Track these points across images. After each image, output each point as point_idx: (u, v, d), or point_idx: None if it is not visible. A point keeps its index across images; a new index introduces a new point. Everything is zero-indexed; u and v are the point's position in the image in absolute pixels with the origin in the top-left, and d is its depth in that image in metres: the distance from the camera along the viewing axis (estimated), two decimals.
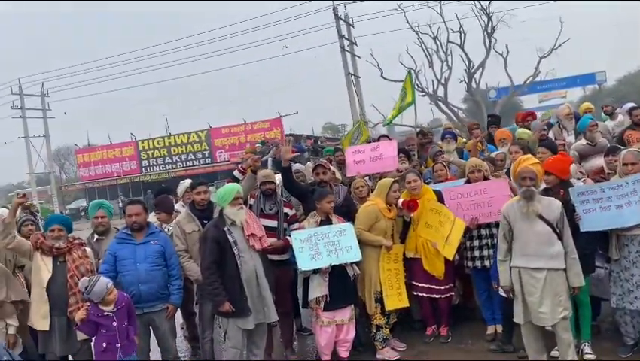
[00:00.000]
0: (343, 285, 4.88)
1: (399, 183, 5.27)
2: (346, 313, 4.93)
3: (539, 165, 4.23)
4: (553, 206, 4.09)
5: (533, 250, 4.04)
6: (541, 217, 4.03)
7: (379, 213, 5.00)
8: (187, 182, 6.31)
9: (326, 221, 5.01)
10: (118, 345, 4.18)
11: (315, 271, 4.84)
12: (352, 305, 4.99)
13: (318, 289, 4.84)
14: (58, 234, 4.59)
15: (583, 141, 6.41)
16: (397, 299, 5.04)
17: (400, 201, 5.08)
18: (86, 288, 4.07)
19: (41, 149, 34.86)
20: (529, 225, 4.06)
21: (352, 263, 4.89)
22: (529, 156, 4.59)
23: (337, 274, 4.85)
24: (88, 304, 4.17)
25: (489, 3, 27.93)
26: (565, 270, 4.04)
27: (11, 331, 4.61)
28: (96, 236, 5.21)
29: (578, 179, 5.14)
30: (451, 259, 5.05)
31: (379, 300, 5.03)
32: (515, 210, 4.13)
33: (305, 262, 4.76)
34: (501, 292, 4.66)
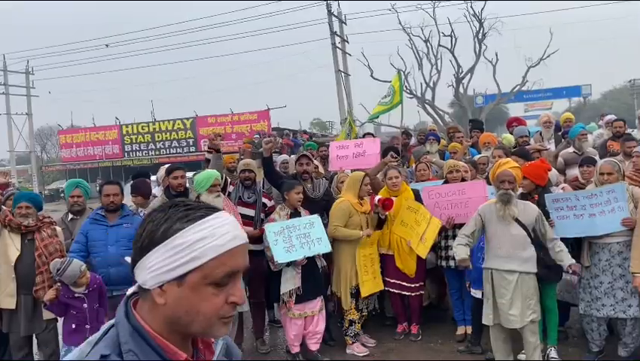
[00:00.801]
0: (313, 277, 4.89)
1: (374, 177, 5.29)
2: (316, 305, 4.94)
3: (518, 169, 4.27)
4: (528, 210, 4.13)
5: (506, 253, 4.07)
6: (517, 221, 4.07)
7: (352, 208, 5.01)
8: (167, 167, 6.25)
9: (295, 213, 5.02)
10: (88, 327, 4.13)
11: (288, 264, 4.84)
12: (321, 296, 5.00)
13: (292, 281, 4.84)
14: (25, 211, 4.49)
15: (570, 149, 6.49)
16: (372, 284, 5.06)
17: (377, 198, 5.08)
18: (57, 270, 3.98)
19: (23, 127, 34.29)
20: (504, 227, 4.09)
21: (319, 255, 4.91)
22: (509, 159, 4.63)
23: (307, 267, 4.86)
24: (58, 284, 4.11)
25: (482, 9, 28.12)
26: (535, 274, 4.07)
27: None
28: (70, 215, 5.14)
29: (556, 185, 5.19)
30: (424, 257, 5.07)
31: (354, 295, 5.04)
32: (492, 211, 4.16)
33: (280, 254, 4.75)
34: (473, 293, 4.71)
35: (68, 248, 4.73)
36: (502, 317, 4.08)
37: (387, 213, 5.07)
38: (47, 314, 4.46)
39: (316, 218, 4.95)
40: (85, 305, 4.11)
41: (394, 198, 5.04)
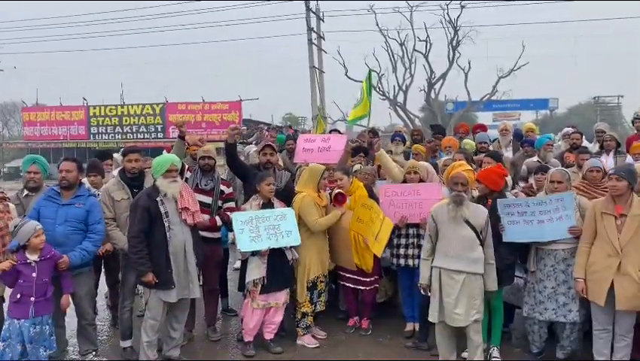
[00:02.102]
0: (281, 269, 4.92)
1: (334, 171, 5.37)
2: (281, 297, 4.97)
3: (472, 172, 4.38)
4: (479, 213, 4.24)
5: (455, 253, 4.18)
6: (467, 222, 4.18)
7: (314, 202, 5.07)
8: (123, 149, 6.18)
9: (268, 205, 5.03)
10: (32, 299, 4.09)
11: (254, 254, 4.85)
12: (287, 290, 5.03)
13: (256, 271, 4.86)
14: None
15: (535, 158, 6.69)
16: (378, 245, 5.10)
17: (335, 192, 5.15)
18: (15, 227, 4.06)
19: None
20: (455, 228, 4.20)
21: (291, 248, 4.94)
22: (463, 162, 4.74)
23: (276, 258, 4.88)
24: (14, 256, 4.09)
25: (458, 16, 28.57)
26: (482, 275, 4.20)
27: None
28: (25, 191, 5.01)
29: (512, 190, 5.35)
30: (379, 255, 5.15)
31: (310, 288, 5.10)
32: (443, 212, 4.26)
33: (244, 243, 4.76)
34: (423, 292, 4.81)
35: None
36: (447, 315, 4.18)
37: (341, 207, 5.13)
38: None
39: (289, 211, 4.97)
40: (34, 274, 4.09)
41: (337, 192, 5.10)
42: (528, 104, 37.61)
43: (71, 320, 4.77)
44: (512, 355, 4.84)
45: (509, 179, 5.43)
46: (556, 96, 38.16)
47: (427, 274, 4.34)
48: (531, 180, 5.89)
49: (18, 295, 4.08)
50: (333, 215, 5.07)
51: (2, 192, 4.68)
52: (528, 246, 4.66)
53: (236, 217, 4.83)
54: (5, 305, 4.57)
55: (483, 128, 8.58)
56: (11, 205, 4.63)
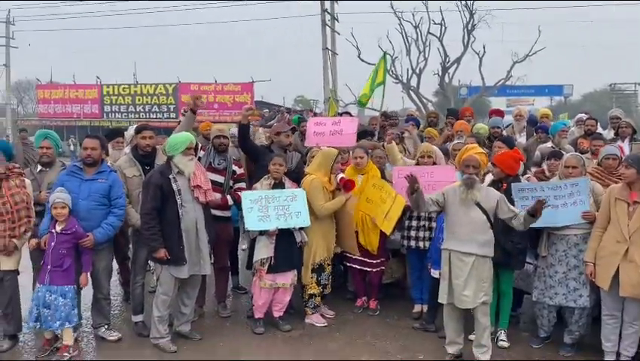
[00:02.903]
0: (289, 250, 4.95)
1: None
2: (288, 278, 5.01)
3: (484, 155, 4.36)
4: (490, 196, 4.23)
5: (465, 235, 4.18)
6: (479, 205, 4.18)
7: (323, 187, 5.08)
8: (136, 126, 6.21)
9: (279, 185, 5.05)
10: (48, 267, 4.31)
11: (262, 233, 4.88)
12: (295, 270, 5.06)
13: (264, 250, 4.90)
14: None
15: (549, 144, 6.64)
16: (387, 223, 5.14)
17: (339, 177, 5.13)
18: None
19: (0, 78, 33.45)
20: (465, 211, 4.20)
21: (300, 229, 4.95)
22: (475, 145, 4.71)
23: (285, 239, 4.91)
24: (46, 236, 4.34)
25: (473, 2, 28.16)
26: (491, 258, 4.20)
27: None
28: (39, 167, 5.08)
29: (523, 175, 5.31)
30: (389, 233, 5.16)
31: (316, 270, 5.13)
32: (455, 194, 4.26)
33: (252, 222, 4.79)
34: (433, 273, 4.83)
35: (36, 200, 4.72)
36: (456, 297, 4.20)
37: (349, 194, 5.11)
38: (4, 265, 4.47)
39: (300, 192, 4.98)
40: (52, 243, 4.29)
41: (343, 177, 5.09)
42: (542, 90, 37.12)
43: (85, 294, 4.86)
44: (519, 339, 4.85)
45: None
46: (571, 83, 37.69)
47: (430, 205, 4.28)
48: (544, 166, 5.85)
49: (42, 263, 4.37)
50: (338, 200, 5.07)
51: (19, 167, 4.74)
52: (540, 231, 4.65)
53: (245, 196, 4.86)
54: (21, 278, 4.69)
55: (500, 113, 8.49)
56: (27, 181, 4.70)
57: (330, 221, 5.22)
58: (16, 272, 4.62)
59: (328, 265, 5.20)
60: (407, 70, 30.04)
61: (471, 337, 4.47)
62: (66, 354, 4.40)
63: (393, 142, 5.84)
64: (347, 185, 5.07)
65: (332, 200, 5.11)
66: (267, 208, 4.83)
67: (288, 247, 4.93)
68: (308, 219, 4.91)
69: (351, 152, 5.64)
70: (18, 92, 47.34)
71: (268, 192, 4.91)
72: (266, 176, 5.11)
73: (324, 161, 5.19)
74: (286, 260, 4.94)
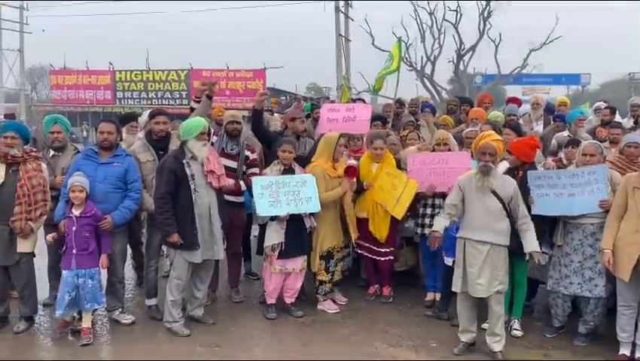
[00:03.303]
0: (299, 235, 4.94)
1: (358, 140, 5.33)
2: (298, 263, 5.01)
3: (500, 142, 4.29)
4: (506, 184, 4.18)
5: (481, 223, 4.14)
6: (495, 193, 4.13)
7: (324, 173, 5.03)
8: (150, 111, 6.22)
9: (289, 170, 5.04)
10: (74, 251, 4.36)
11: (273, 219, 4.88)
12: (304, 256, 5.06)
13: (275, 236, 4.90)
14: (11, 142, 4.48)
15: (565, 133, 6.55)
16: (399, 207, 5.12)
17: (350, 162, 5.07)
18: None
19: (14, 64, 33.67)
20: (481, 199, 4.15)
21: (310, 215, 4.95)
22: (492, 132, 4.65)
23: (294, 224, 4.91)
24: (64, 221, 4.39)
25: None
26: (506, 247, 4.15)
27: None
28: (51, 152, 5.09)
29: (539, 163, 5.25)
30: (400, 218, 5.13)
31: (324, 257, 5.12)
32: (470, 182, 4.21)
33: (263, 208, 4.79)
34: (446, 261, 4.80)
35: (52, 184, 4.75)
36: (470, 286, 4.17)
37: (352, 180, 5.07)
38: (21, 247, 4.52)
39: (309, 177, 4.96)
40: (74, 228, 4.34)
41: (354, 163, 5.04)
42: (559, 78, 36.58)
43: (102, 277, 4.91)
44: (533, 328, 4.82)
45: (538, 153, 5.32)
46: (589, 72, 37.09)
47: (442, 224, 4.28)
48: (561, 154, 5.76)
49: (64, 248, 4.39)
50: (334, 192, 5.01)
51: (35, 151, 4.77)
52: (556, 219, 4.60)
53: (256, 182, 4.85)
54: (36, 260, 4.74)
55: (517, 101, 8.41)
56: (44, 165, 4.73)
57: (336, 208, 5.16)
58: (32, 255, 4.67)
59: (338, 251, 5.17)
60: (422, 57, 29.79)
61: (484, 325, 4.45)
62: (90, 337, 4.45)
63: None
64: (348, 171, 5.01)
65: (333, 188, 5.05)
66: (278, 194, 4.82)
67: (297, 233, 4.93)
68: (318, 204, 4.90)
69: (367, 140, 5.60)
70: (32, 77, 47.66)
71: (278, 178, 4.90)
72: (275, 161, 5.09)
73: (325, 146, 5.14)
74: (296, 246, 4.95)
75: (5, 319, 4.74)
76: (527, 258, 4.20)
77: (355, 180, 5.11)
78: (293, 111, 6.18)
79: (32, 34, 34.56)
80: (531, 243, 4.15)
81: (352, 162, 5.10)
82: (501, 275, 4.14)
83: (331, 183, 5.04)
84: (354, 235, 5.20)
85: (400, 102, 8.65)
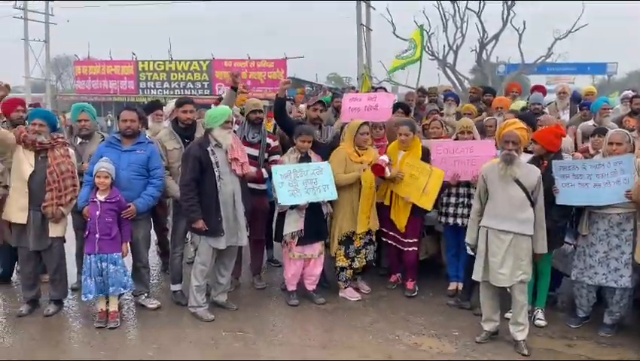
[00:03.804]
0: (317, 222, 5.00)
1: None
2: (316, 249, 5.07)
3: (524, 131, 4.24)
4: (531, 173, 4.14)
5: (504, 213, 4.11)
6: (518, 182, 4.09)
7: (347, 157, 5.07)
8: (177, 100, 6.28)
9: (305, 158, 5.07)
10: (97, 236, 4.43)
11: (293, 207, 4.92)
12: (322, 242, 5.12)
13: (294, 224, 4.95)
14: (39, 128, 4.58)
15: (590, 122, 6.46)
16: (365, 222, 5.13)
17: (382, 158, 5.04)
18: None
19: (40, 54, 34.20)
20: (505, 188, 4.12)
21: (327, 202, 4.98)
22: (516, 120, 4.61)
23: (312, 211, 4.96)
24: (87, 207, 4.49)
25: None
26: (531, 236, 4.11)
27: None
28: (79, 139, 5.20)
29: (568, 153, 5.18)
30: (429, 209, 5.09)
31: (344, 242, 5.14)
32: (494, 171, 4.18)
33: (284, 197, 4.83)
34: (469, 251, 4.78)
35: (79, 171, 4.85)
36: (491, 275, 4.15)
37: (382, 176, 5.07)
38: (52, 232, 4.63)
39: (325, 165, 5.00)
40: (97, 213, 4.42)
41: (385, 158, 5.01)
42: (584, 68, 35.79)
43: (127, 263, 5.00)
44: (556, 318, 4.79)
45: (568, 141, 5.26)
46: (615, 60, 36.21)
47: (474, 234, 4.31)
48: (588, 143, 5.68)
49: (87, 232, 4.48)
50: (351, 175, 5.02)
51: (63, 137, 4.87)
52: (581, 209, 4.55)
53: (275, 171, 4.89)
54: (66, 245, 4.86)
55: (542, 89, 8.30)
56: (71, 150, 4.82)
57: (355, 194, 5.12)
58: (63, 239, 4.78)
59: (360, 238, 5.18)
60: (444, 46, 29.39)
61: (508, 315, 4.43)
62: (117, 320, 4.56)
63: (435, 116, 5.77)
64: (375, 168, 5.00)
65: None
66: (297, 183, 4.86)
67: (315, 220, 4.99)
68: (335, 191, 4.94)
69: (388, 127, 5.59)
70: (57, 68, 48.34)
71: (296, 167, 4.95)
72: (292, 149, 5.13)
73: (348, 133, 5.21)
74: (314, 232, 5.01)
75: (36, 302, 4.88)
76: (534, 259, 4.20)
77: (387, 171, 5.04)
78: (310, 100, 6.23)
79: (57, 25, 35.03)
80: (539, 243, 4.14)
81: (384, 158, 5.04)
82: (524, 265, 4.11)
83: (351, 167, 5.05)
84: (372, 224, 5.19)
85: (422, 91, 8.61)
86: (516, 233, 4.08)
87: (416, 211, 5.18)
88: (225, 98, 5.37)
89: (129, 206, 4.59)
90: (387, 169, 4.98)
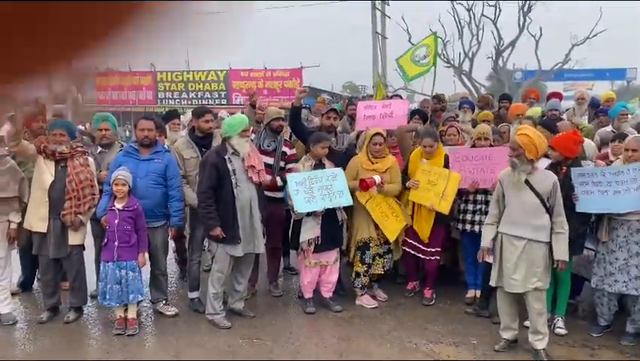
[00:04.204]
0: (332, 228, 5.01)
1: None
2: (331, 256, 5.07)
3: (526, 137, 4.15)
4: (544, 179, 4.08)
5: (517, 218, 4.08)
6: (532, 188, 4.05)
7: (359, 166, 5.11)
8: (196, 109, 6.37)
9: (319, 165, 5.10)
10: (116, 244, 4.47)
11: (309, 214, 4.94)
12: (337, 248, 5.13)
13: (311, 231, 4.96)
14: (59, 139, 4.67)
15: (609, 128, 6.38)
16: (397, 223, 5.13)
17: (372, 178, 5.02)
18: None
19: None
20: (517, 194, 4.10)
21: (341, 208, 5.00)
22: (523, 126, 4.59)
23: (327, 218, 4.97)
24: (106, 216, 4.55)
25: None
26: (547, 243, 4.05)
27: (13, 226, 4.79)
28: (99, 148, 5.29)
29: (584, 159, 5.11)
30: (447, 213, 5.06)
31: (360, 248, 5.14)
32: (508, 177, 4.18)
33: (300, 204, 4.84)
34: (486, 259, 4.73)
35: (98, 179, 4.93)
36: (505, 281, 4.12)
37: (368, 191, 5.04)
38: (72, 240, 4.70)
39: (339, 171, 5.02)
40: (116, 221, 4.45)
41: (376, 178, 4.98)
42: (603, 73, 35.34)
43: (144, 270, 5.05)
44: (577, 327, 4.72)
45: (592, 146, 5.20)
46: (635, 66, 35.70)
47: (489, 238, 4.26)
48: (607, 149, 5.61)
49: (105, 240, 4.53)
50: (351, 184, 5.04)
51: (82, 146, 4.96)
52: (600, 215, 4.49)
53: (290, 178, 4.91)
54: (85, 253, 4.93)
55: (558, 95, 8.22)
56: (90, 159, 4.90)
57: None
58: (82, 247, 4.85)
59: (376, 245, 5.17)
60: (459, 54, 29.30)
61: (527, 323, 4.37)
62: (136, 327, 4.61)
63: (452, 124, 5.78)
64: (361, 184, 4.98)
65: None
66: (312, 189, 4.88)
67: (331, 226, 5.00)
68: (350, 197, 4.95)
69: (398, 135, 5.63)
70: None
71: (311, 173, 4.96)
72: (306, 156, 5.16)
73: (363, 142, 5.28)
74: (329, 239, 5.01)
75: (56, 309, 4.95)
76: (554, 265, 4.08)
77: (371, 190, 5.03)
78: (323, 108, 6.27)
79: None
80: (559, 249, 4.02)
81: (376, 177, 5.01)
82: (539, 272, 4.03)
83: (363, 175, 5.06)
84: (389, 234, 5.15)
85: (438, 98, 8.58)
86: (529, 239, 4.04)
87: (439, 220, 5.16)
88: (245, 114, 5.44)
89: (165, 225, 4.89)
90: (372, 189, 4.99)
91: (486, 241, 4.30)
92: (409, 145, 5.76)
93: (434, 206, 5.04)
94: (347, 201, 4.95)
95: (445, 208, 5.02)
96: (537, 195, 4.04)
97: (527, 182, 4.04)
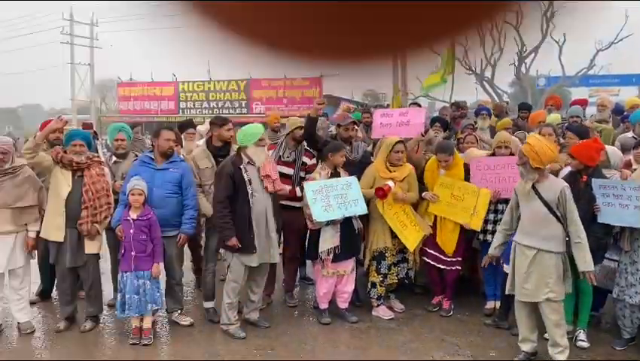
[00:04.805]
0: (348, 237, 4.96)
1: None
2: (348, 265, 5.02)
3: (528, 145, 4.01)
4: (552, 187, 3.97)
5: (528, 228, 4.02)
6: (540, 197, 3.96)
7: (376, 174, 5.05)
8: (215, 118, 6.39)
9: (335, 174, 5.07)
10: (133, 253, 4.48)
11: (328, 223, 4.90)
12: (354, 258, 5.07)
13: (331, 240, 4.91)
14: (79, 149, 4.73)
15: (629, 134, 6.23)
16: (416, 233, 5.06)
17: (387, 184, 4.97)
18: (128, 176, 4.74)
19: (85, 77, 35.59)
20: (527, 203, 4.04)
21: (357, 217, 4.96)
22: (532, 135, 4.50)
23: (343, 227, 4.92)
24: (121, 226, 4.56)
25: None
26: (558, 253, 3.93)
27: (32, 235, 4.84)
28: (114, 158, 5.34)
29: (607, 167, 4.97)
30: (479, 229, 4.98)
31: (376, 258, 5.08)
32: (520, 186, 4.11)
33: (319, 213, 4.81)
34: (505, 269, 4.63)
35: (113, 189, 4.96)
36: (517, 289, 4.06)
37: (384, 200, 4.98)
38: (88, 249, 4.73)
39: (353, 180, 4.99)
40: (131, 231, 4.47)
41: (390, 183, 4.93)
42: (629, 79, 34.63)
43: (161, 279, 5.07)
44: (600, 340, 4.58)
45: (617, 154, 5.07)
46: None
47: (496, 244, 4.25)
48: (629, 156, 5.46)
49: (123, 250, 4.54)
50: (366, 192, 5.00)
51: (98, 157, 5.01)
52: None
53: (307, 187, 4.88)
54: (101, 262, 4.97)
55: (583, 102, 8.09)
56: (106, 169, 4.95)
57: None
58: (98, 256, 4.89)
59: (392, 255, 5.10)
60: (481, 60, 29.05)
61: (547, 335, 4.25)
62: (151, 337, 4.61)
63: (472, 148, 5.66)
64: (379, 194, 4.93)
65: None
66: (329, 198, 4.84)
67: (348, 235, 4.95)
68: (365, 206, 4.92)
69: (411, 145, 5.54)
70: (101, 90, 50.08)
71: (327, 182, 4.93)
72: (322, 165, 5.12)
73: (383, 148, 5.18)
74: (346, 248, 4.96)
75: (73, 318, 4.99)
76: (581, 277, 3.97)
77: (387, 199, 4.98)
78: (337, 117, 6.21)
79: (102, 49, 36.45)
80: (580, 260, 3.86)
81: (390, 183, 4.97)
82: (551, 282, 3.91)
83: (380, 183, 5.01)
84: (409, 245, 5.09)
85: (457, 105, 8.50)
86: (539, 249, 3.94)
87: (464, 232, 5.09)
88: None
89: (179, 236, 4.84)
90: (389, 195, 4.94)
91: (492, 248, 4.26)
92: (418, 159, 5.60)
93: (469, 225, 4.97)
94: (362, 209, 4.91)
95: (477, 225, 4.94)
96: (545, 203, 3.94)
97: (536, 191, 3.97)
